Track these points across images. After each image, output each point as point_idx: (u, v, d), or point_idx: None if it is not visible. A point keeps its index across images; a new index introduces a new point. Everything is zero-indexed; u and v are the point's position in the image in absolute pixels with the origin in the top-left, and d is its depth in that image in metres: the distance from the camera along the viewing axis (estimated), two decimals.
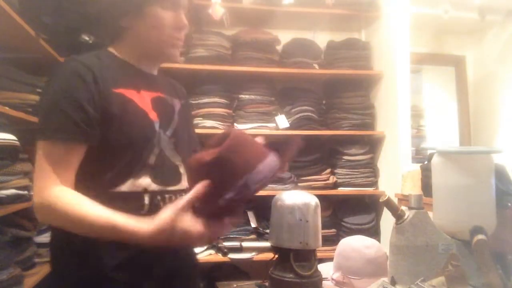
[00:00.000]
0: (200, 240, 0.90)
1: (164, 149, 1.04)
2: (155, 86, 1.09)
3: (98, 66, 0.98)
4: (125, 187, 0.98)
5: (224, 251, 2.44)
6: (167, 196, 1.04)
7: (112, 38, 1.08)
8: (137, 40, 1.05)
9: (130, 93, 1.00)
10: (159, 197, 1.02)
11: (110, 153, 0.96)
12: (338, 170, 2.82)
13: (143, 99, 1.03)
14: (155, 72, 1.14)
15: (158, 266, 1.00)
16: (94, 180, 0.96)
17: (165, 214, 0.86)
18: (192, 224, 0.87)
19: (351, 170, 2.81)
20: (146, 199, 1.00)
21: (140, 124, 1.01)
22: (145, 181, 1.00)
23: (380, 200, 1.25)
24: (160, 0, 1.02)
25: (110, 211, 0.88)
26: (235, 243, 2.53)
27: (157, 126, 1.03)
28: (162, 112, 1.06)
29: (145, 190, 1.00)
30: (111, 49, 1.07)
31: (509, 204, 1.32)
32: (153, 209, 0.96)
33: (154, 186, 1.01)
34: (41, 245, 2.24)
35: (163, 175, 1.03)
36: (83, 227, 0.89)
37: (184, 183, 1.07)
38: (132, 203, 0.97)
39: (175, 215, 0.86)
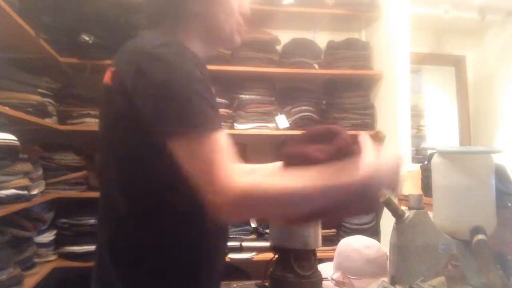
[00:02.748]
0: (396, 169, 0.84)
1: None
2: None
3: (196, 56, 0.86)
4: None
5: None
6: None
7: (176, 24, 0.96)
8: (206, 26, 0.97)
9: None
10: None
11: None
12: None
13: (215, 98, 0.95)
14: None
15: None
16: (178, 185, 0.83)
17: (365, 157, 0.81)
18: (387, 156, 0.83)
19: None
20: None
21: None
22: None
23: (380, 200, 1.25)
24: None
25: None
26: (235, 243, 2.52)
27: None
28: None
29: None
30: (175, 35, 0.94)
31: (509, 204, 1.32)
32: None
33: None
34: (41, 245, 2.25)
35: None
36: (303, 197, 0.78)
37: None
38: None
39: (372, 154, 0.82)
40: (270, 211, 0.82)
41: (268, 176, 0.80)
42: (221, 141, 0.78)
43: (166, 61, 0.79)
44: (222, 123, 0.83)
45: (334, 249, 1.57)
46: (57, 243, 2.40)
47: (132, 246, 0.86)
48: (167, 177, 0.81)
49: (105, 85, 0.88)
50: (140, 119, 0.79)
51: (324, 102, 3.00)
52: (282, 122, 2.77)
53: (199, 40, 0.97)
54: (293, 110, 2.80)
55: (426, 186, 2.02)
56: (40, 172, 2.20)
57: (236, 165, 0.78)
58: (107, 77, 0.88)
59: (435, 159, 1.34)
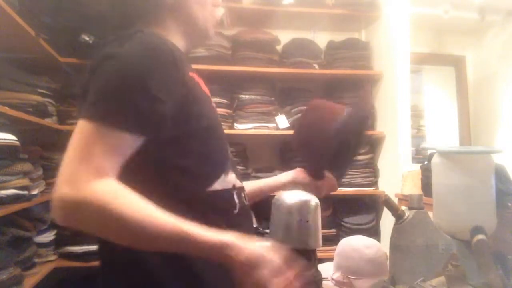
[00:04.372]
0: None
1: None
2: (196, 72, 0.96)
3: (167, 44, 0.82)
4: (218, 184, 0.84)
5: None
6: (243, 194, 0.92)
7: (152, 19, 0.94)
8: (182, 18, 0.96)
9: (196, 77, 0.88)
10: (243, 194, 0.91)
11: (197, 145, 0.81)
12: None
13: (203, 85, 0.93)
14: None
15: None
16: (187, 178, 0.80)
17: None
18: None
19: (351, 170, 2.81)
20: (235, 197, 0.88)
21: (214, 112, 0.92)
22: (231, 176, 0.89)
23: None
24: None
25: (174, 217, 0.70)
26: None
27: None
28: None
29: (234, 187, 0.88)
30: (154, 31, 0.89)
31: (509, 204, 1.32)
32: (242, 209, 0.88)
33: (238, 182, 0.90)
34: (41, 245, 2.25)
35: (234, 169, 0.93)
36: (144, 232, 0.68)
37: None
38: (225, 203, 0.85)
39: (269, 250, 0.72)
40: (106, 229, 0.69)
41: (127, 195, 0.69)
42: (116, 142, 0.70)
43: (115, 55, 0.75)
44: (148, 130, 0.74)
45: (334, 249, 1.57)
46: (57, 243, 2.40)
47: None
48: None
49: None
50: None
51: None
52: (282, 122, 2.77)
53: (175, 35, 0.96)
54: (293, 110, 2.80)
55: (426, 186, 2.02)
56: (40, 172, 2.19)
57: (109, 172, 0.69)
58: None
59: (435, 159, 1.34)
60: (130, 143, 0.72)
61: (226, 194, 0.86)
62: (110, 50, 0.76)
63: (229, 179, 0.87)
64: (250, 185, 1.16)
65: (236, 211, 0.87)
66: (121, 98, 0.72)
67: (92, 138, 0.70)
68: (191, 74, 0.86)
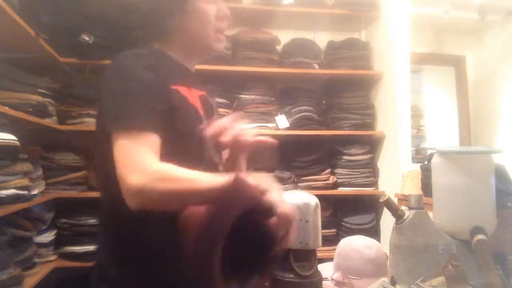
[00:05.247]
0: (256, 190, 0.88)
1: (208, 148, 1.05)
2: (198, 84, 1.10)
3: (158, 62, 0.99)
4: None
5: None
6: None
7: (158, 37, 1.07)
8: (184, 37, 1.06)
9: (183, 90, 1.01)
10: None
11: (172, 149, 0.92)
12: (338, 170, 2.82)
13: (193, 97, 1.04)
14: (193, 70, 1.15)
15: None
16: None
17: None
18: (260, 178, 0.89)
19: (351, 170, 2.81)
20: None
21: (195, 120, 1.02)
22: None
23: (380, 200, 1.25)
24: None
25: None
26: None
27: (204, 124, 1.05)
28: (206, 110, 1.08)
29: None
30: (157, 46, 1.07)
31: (509, 204, 1.32)
32: None
33: None
34: (41, 245, 2.25)
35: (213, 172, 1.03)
36: (195, 191, 0.85)
37: None
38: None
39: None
40: (175, 197, 0.85)
41: (176, 167, 0.86)
42: (145, 140, 0.87)
43: (116, 67, 0.95)
44: (162, 125, 0.90)
45: (334, 249, 1.57)
46: (57, 243, 2.40)
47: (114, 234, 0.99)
48: None
49: None
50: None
51: (324, 102, 3.00)
52: (282, 122, 2.77)
53: (181, 50, 1.07)
54: (293, 110, 2.80)
55: (426, 186, 2.02)
56: (40, 172, 2.19)
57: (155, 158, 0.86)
58: None
59: (435, 159, 1.34)
60: (152, 139, 0.88)
61: None
62: (109, 74, 0.95)
63: None
64: None
65: None
66: (137, 107, 0.89)
67: (130, 145, 0.86)
68: (176, 88, 0.98)
